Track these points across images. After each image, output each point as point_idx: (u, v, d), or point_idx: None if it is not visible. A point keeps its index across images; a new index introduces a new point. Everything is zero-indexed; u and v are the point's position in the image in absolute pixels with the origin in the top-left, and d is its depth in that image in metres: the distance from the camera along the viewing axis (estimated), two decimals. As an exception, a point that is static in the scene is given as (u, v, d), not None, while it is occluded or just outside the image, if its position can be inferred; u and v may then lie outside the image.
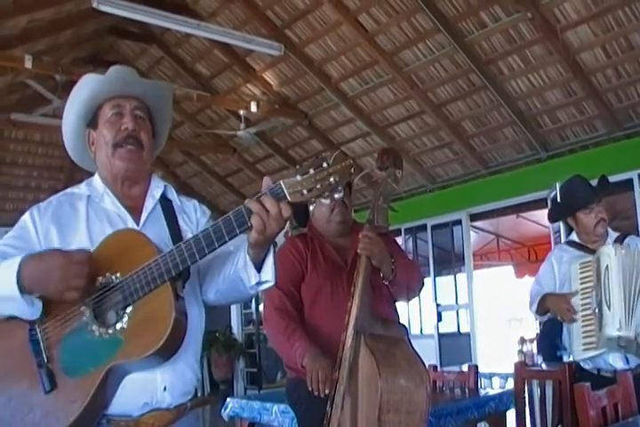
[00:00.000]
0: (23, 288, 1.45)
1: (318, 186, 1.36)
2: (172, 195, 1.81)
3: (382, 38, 6.55)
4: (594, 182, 3.26)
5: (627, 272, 2.86)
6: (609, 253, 2.91)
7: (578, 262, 3.06)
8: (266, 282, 1.55)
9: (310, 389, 2.32)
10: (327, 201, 2.58)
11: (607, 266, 2.89)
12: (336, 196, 1.38)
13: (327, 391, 2.26)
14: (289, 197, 1.38)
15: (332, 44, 6.92)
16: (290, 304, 2.58)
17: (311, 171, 1.37)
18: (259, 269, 1.53)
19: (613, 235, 3.22)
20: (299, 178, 1.37)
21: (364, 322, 2.24)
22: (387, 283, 2.49)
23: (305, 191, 1.37)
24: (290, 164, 8.86)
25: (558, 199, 3.40)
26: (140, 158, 1.71)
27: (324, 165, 1.36)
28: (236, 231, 1.43)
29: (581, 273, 3.01)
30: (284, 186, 1.38)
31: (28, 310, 1.50)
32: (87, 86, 1.70)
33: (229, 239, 1.44)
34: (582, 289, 2.98)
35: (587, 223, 3.17)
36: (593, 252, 3.05)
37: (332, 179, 1.36)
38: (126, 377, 1.52)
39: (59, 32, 7.23)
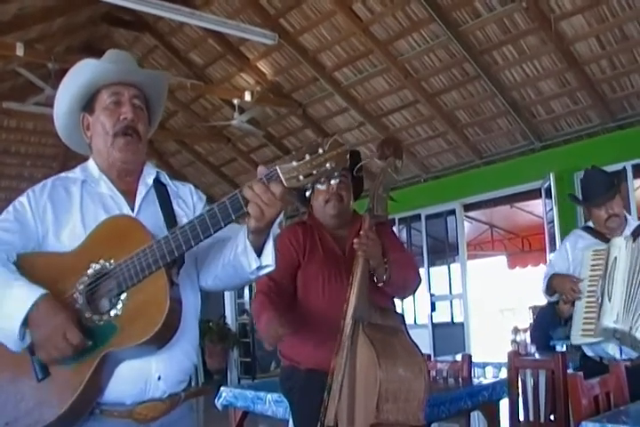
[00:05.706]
0: (26, 323, 1.42)
1: (314, 171, 1.36)
2: (166, 179, 1.80)
3: (377, 28, 6.52)
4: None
5: (633, 266, 2.87)
6: (620, 246, 2.94)
7: (592, 249, 3.08)
8: (266, 266, 1.55)
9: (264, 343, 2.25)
10: (324, 187, 2.56)
11: (615, 258, 2.91)
12: (332, 181, 1.38)
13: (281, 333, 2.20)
14: (285, 183, 1.38)
15: (326, 33, 6.89)
16: (275, 290, 2.52)
17: (307, 157, 1.36)
18: (259, 253, 1.53)
19: (633, 224, 3.21)
20: (295, 164, 1.37)
21: (362, 311, 2.24)
22: (380, 285, 2.44)
23: (301, 177, 1.37)
24: (284, 153, 8.83)
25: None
26: (138, 149, 1.71)
27: (320, 151, 1.36)
28: (232, 217, 1.42)
29: (592, 260, 3.04)
30: (279, 171, 1.38)
31: (15, 343, 1.45)
32: (86, 72, 1.67)
33: (225, 225, 1.43)
34: (590, 276, 3.00)
35: (598, 218, 3.18)
36: (608, 240, 3.07)
37: (328, 165, 1.36)
38: (120, 365, 1.51)
39: (51, 20, 7.16)
